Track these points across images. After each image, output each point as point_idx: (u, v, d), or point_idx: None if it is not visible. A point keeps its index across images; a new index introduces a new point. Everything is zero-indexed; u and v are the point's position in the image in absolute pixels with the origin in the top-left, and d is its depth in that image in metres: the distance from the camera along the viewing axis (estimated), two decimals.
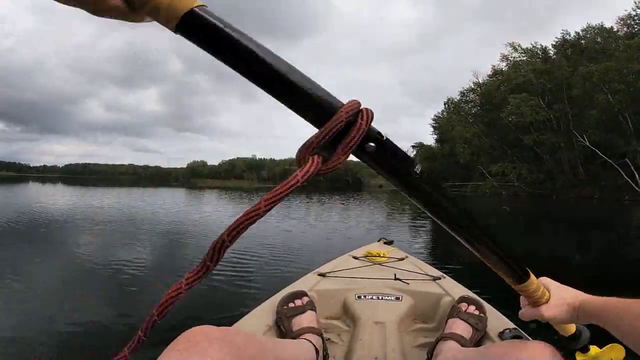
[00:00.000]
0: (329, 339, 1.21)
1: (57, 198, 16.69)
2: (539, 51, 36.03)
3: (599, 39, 30.80)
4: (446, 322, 1.15)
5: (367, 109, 0.36)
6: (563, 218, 13.25)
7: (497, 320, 1.18)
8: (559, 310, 0.67)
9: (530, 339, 0.98)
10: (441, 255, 5.66)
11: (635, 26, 30.17)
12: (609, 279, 4.44)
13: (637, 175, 24.30)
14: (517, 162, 32.90)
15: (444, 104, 46.05)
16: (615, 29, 31.06)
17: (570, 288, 0.71)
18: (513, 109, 30.18)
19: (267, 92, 0.34)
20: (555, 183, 29.94)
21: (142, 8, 0.30)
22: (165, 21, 0.30)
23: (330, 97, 0.35)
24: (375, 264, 1.81)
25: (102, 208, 11.97)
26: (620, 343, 0.66)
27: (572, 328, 0.77)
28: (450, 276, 1.63)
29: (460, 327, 1.09)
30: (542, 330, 0.88)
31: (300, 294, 1.25)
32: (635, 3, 29.62)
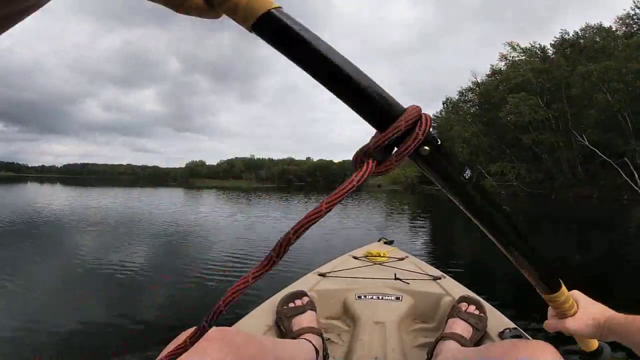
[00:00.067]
0: (329, 339, 1.21)
1: (55, 198, 16.67)
2: (537, 51, 36.11)
3: (597, 39, 30.86)
4: (446, 321, 1.15)
5: (426, 117, 0.36)
6: (562, 218, 13.26)
7: (497, 320, 1.18)
8: (585, 325, 0.67)
9: (530, 338, 0.98)
10: (441, 255, 5.66)
11: (634, 25, 30.24)
12: (609, 278, 4.44)
13: (636, 175, 24.35)
14: (515, 161, 32.95)
15: (443, 104, 46.15)
16: (614, 29, 31.14)
17: (598, 303, 0.71)
18: (512, 109, 30.23)
19: (332, 92, 0.35)
20: (554, 183, 29.99)
21: (221, 6, 0.31)
22: (241, 20, 0.31)
23: (392, 102, 0.35)
24: (376, 264, 1.81)
25: (100, 208, 11.96)
26: None
27: (594, 344, 0.76)
28: (450, 276, 1.63)
29: (460, 327, 1.08)
30: (542, 331, 0.88)
31: (300, 294, 1.25)
32: (634, 2, 29.69)
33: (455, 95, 43.77)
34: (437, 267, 1.80)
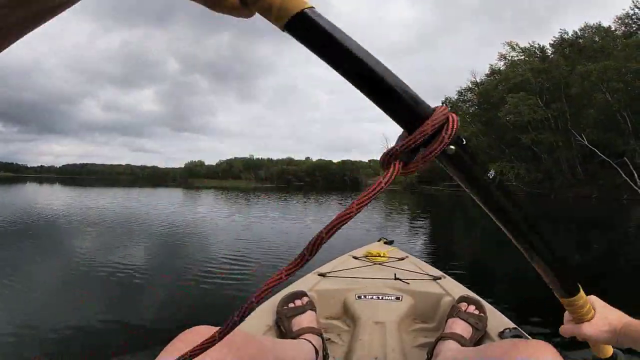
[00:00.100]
0: (329, 339, 1.21)
1: (54, 199, 16.66)
2: (536, 50, 36.13)
3: (596, 38, 30.89)
4: (446, 321, 1.15)
5: (453, 119, 0.37)
6: (561, 217, 13.27)
7: (497, 320, 1.18)
8: (601, 330, 0.67)
9: (530, 338, 0.98)
10: (441, 255, 5.67)
11: (634, 25, 30.27)
12: (608, 278, 4.45)
13: (635, 175, 24.36)
14: (515, 161, 32.95)
15: (442, 104, 45.98)
16: (613, 28, 31.17)
17: (615, 309, 0.70)
18: (511, 108, 30.21)
19: (362, 92, 0.35)
20: (553, 182, 30.00)
21: (255, 5, 0.32)
22: (275, 19, 0.32)
23: (420, 103, 0.36)
24: (376, 264, 1.81)
25: (99, 209, 11.96)
26: None
27: (609, 350, 0.76)
28: (450, 276, 1.63)
29: (460, 327, 1.08)
30: (541, 330, 0.88)
31: (300, 294, 1.25)
32: (634, 2, 29.72)
33: (454, 95, 43.80)
34: (438, 267, 1.80)
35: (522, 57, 35.82)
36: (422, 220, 9.59)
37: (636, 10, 29.93)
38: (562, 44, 33.80)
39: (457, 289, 1.44)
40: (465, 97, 42.67)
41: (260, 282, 3.85)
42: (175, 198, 20.11)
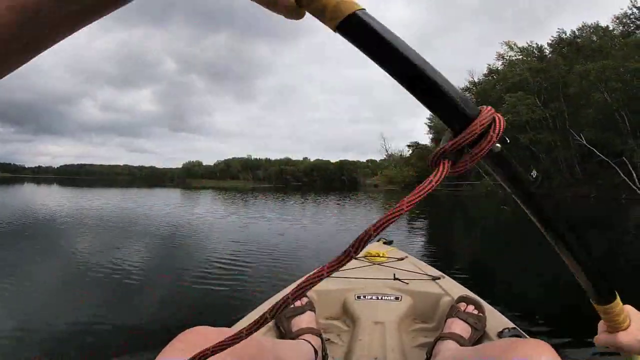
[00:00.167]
0: (328, 339, 1.21)
1: (53, 199, 16.63)
2: (534, 50, 36.19)
3: (594, 38, 30.96)
4: (445, 321, 1.15)
5: (499, 119, 0.37)
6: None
7: (496, 320, 1.18)
8: (638, 339, 0.65)
9: (528, 338, 0.98)
10: (441, 255, 5.67)
11: (631, 25, 30.34)
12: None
13: (634, 174, 24.41)
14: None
15: None
16: (611, 28, 31.23)
17: None
18: (509, 108, 30.24)
19: (411, 93, 0.36)
20: (551, 182, 30.04)
21: (309, 6, 0.33)
22: (328, 20, 0.33)
23: (468, 104, 0.36)
24: (375, 264, 1.81)
25: (98, 209, 11.94)
26: None
27: None
28: (449, 276, 1.63)
29: (459, 327, 1.09)
30: (541, 330, 0.88)
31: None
32: (632, 2, 29.79)
33: None
34: (437, 267, 1.80)
35: (520, 56, 35.88)
36: (421, 220, 9.59)
37: (634, 9, 30.03)
38: (560, 44, 33.87)
39: (456, 289, 1.44)
40: None
41: (260, 282, 3.86)
42: (173, 199, 20.07)
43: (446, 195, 27.29)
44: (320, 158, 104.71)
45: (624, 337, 0.64)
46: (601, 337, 0.67)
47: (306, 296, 1.25)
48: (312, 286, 0.35)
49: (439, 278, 1.56)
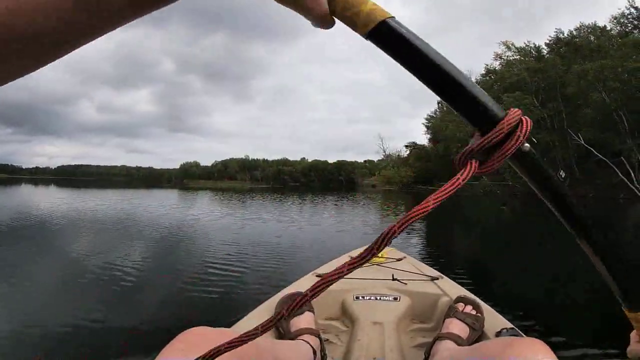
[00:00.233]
0: (327, 339, 1.21)
1: (52, 200, 16.59)
2: (532, 50, 36.24)
3: (592, 38, 31.02)
4: (443, 321, 1.15)
5: (526, 120, 0.38)
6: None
7: (494, 320, 1.19)
8: None
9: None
10: (439, 256, 5.67)
11: (629, 25, 30.42)
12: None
13: (632, 174, 24.47)
14: None
15: (438, 104, 46.35)
16: (608, 28, 31.32)
17: None
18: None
19: (441, 97, 0.37)
20: None
21: (342, 15, 0.34)
22: (359, 27, 0.34)
23: (494, 106, 0.37)
24: (374, 264, 1.81)
25: (97, 210, 11.92)
26: None
27: None
28: (448, 276, 1.64)
29: (457, 327, 1.09)
30: (539, 330, 0.89)
31: (298, 295, 1.25)
32: (629, 2, 29.88)
33: None
34: (435, 268, 1.81)
35: (518, 56, 35.94)
36: (420, 221, 9.55)
37: (632, 10, 30.12)
38: (558, 44, 33.94)
39: (455, 289, 1.44)
40: None
41: (259, 283, 3.86)
42: (171, 200, 20.03)
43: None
44: (319, 158, 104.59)
45: None
46: (635, 347, 0.61)
47: None
48: (332, 284, 0.35)
49: (437, 278, 1.57)
